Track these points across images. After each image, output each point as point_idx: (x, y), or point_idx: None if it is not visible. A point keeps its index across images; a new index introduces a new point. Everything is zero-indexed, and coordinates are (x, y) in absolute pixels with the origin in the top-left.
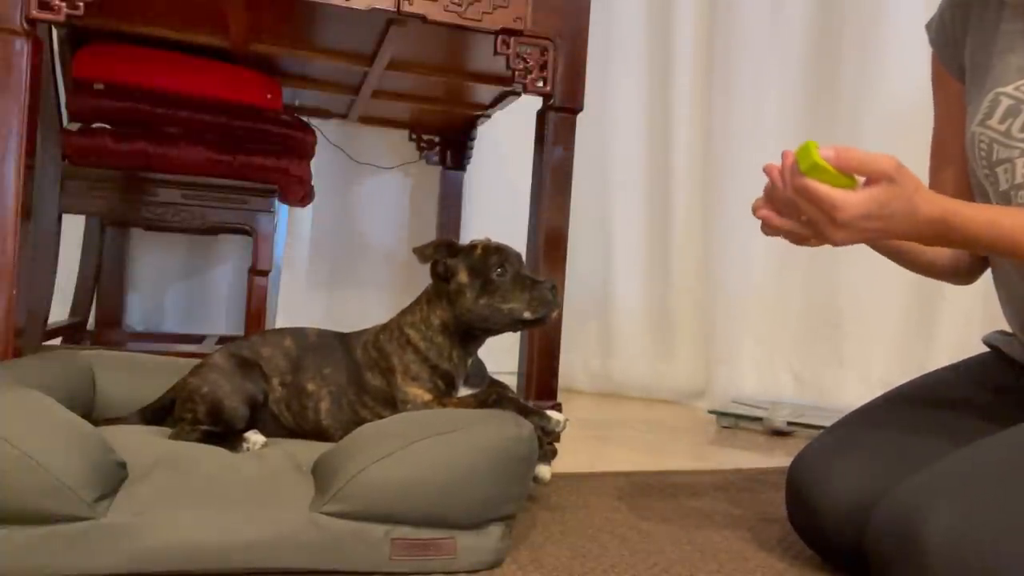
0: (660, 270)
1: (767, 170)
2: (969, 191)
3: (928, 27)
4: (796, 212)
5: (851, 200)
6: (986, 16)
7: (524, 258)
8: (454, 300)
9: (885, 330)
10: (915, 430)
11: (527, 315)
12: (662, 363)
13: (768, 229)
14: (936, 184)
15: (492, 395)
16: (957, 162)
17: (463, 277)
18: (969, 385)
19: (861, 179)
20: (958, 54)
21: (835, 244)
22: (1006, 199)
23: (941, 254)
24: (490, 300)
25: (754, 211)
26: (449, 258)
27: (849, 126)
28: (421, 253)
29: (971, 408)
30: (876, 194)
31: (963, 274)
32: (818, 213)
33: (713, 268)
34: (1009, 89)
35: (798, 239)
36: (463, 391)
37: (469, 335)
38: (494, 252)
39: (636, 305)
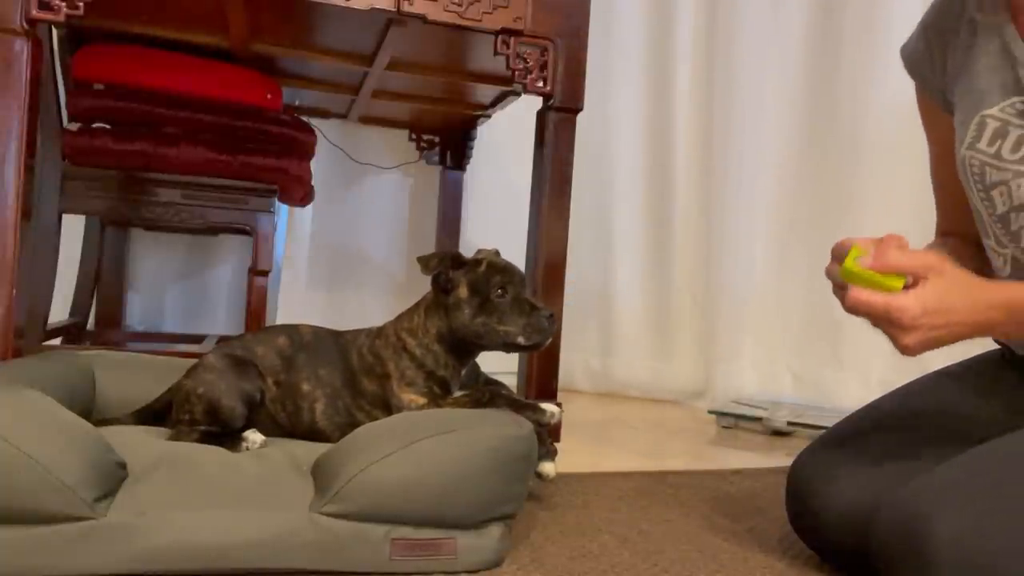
0: (660, 270)
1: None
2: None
3: (903, 51)
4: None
5: (907, 302)
6: (959, 39)
7: (524, 258)
8: (451, 313)
9: None
10: (918, 432)
11: (521, 340)
12: (662, 363)
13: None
14: (944, 219)
15: (486, 394)
16: (960, 192)
17: (463, 292)
18: (976, 386)
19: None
20: (939, 82)
21: (907, 351)
22: (1004, 222)
23: None
24: (487, 320)
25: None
26: (452, 270)
27: (849, 126)
28: (425, 264)
29: (977, 410)
30: (930, 288)
31: None
32: (880, 323)
33: (713, 268)
34: (995, 111)
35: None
36: (457, 393)
37: (463, 347)
38: (498, 271)
39: (636, 305)
